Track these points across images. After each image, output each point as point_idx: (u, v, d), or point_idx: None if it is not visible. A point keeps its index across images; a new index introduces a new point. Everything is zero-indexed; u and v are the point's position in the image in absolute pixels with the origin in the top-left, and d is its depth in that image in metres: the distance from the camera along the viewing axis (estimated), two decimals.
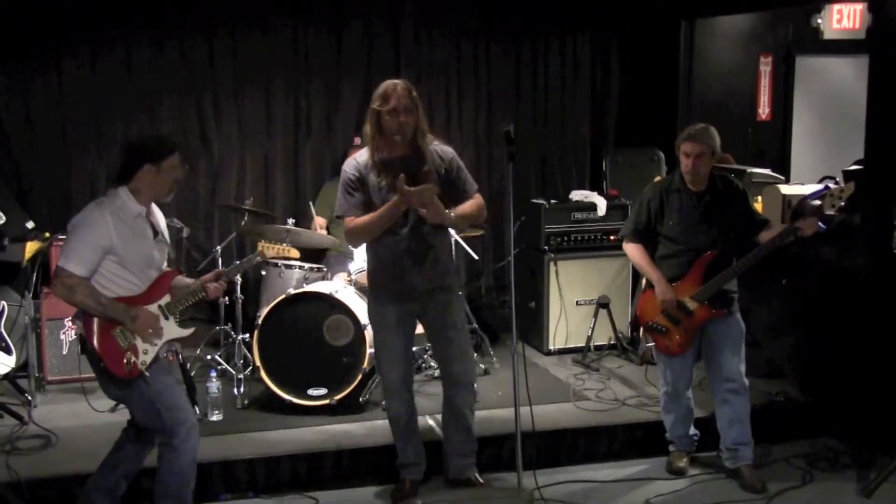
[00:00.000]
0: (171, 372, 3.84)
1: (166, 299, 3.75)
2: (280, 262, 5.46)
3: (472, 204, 4.12)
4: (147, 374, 3.63)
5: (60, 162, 6.13)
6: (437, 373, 5.50)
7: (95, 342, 3.61)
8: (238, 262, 4.25)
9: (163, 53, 6.23)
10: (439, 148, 4.10)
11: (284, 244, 4.44)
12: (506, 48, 6.92)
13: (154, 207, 3.83)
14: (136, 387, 3.65)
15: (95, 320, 3.61)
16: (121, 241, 3.58)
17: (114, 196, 3.65)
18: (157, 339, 3.68)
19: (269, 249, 4.31)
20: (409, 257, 4.02)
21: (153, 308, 3.70)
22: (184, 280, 3.94)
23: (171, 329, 3.76)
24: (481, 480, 4.31)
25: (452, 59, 6.83)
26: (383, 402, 5.03)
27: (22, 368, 5.18)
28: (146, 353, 3.65)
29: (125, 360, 3.60)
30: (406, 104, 3.91)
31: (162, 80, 6.27)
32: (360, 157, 4.07)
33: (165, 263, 3.88)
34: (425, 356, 5.60)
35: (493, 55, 6.93)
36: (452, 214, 4.00)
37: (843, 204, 4.21)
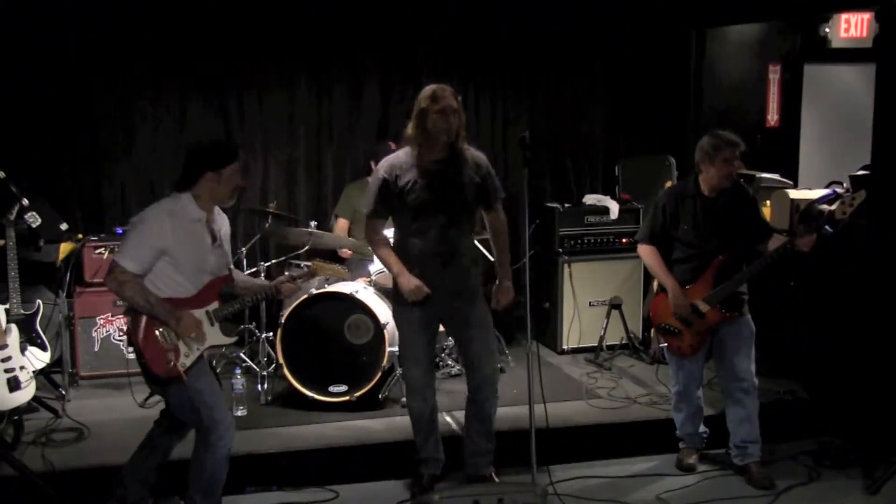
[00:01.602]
0: (210, 373, 3.84)
1: (214, 305, 3.78)
2: (303, 264, 5.58)
3: (504, 236, 4.27)
4: (185, 376, 3.65)
5: (93, 168, 6.25)
6: (453, 370, 5.62)
7: (140, 338, 3.65)
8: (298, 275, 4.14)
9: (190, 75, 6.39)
10: (475, 154, 4.16)
11: (336, 264, 4.45)
12: (520, 68, 6.96)
13: (218, 213, 3.85)
14: (174, 386, 3.69)
15: (143, 317, 3.65)
16: (176, 243, 3.62)
17: (176, 199, 3.70)
18: (199, 343, 3.72)
19: (322, 269, 4.25)
20: (436, 259, 4.08)
21: (199, 313, 3.73)
22: (251, 280, 4.02)
23: (215, 335, 3.78)
24: (497, 479, 4.35)
25: (470, 91, 6.88)
26: (403, 399, 5.12)
27: (56, 364, 5.26)
28: (187, 355, 3.68)
29: (166, 360, 3.64)
30: (454, 106, 3.97)
31: (190, 87, 6.38)
32: (395, 159, 4.12)
33: (231, 267, 3.92)
34: (442, 354, 5.68)
35: (508, 76, 6.99)
36: (508, 281, 4.24)
37: (853, 209, 4.26)
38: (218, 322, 3.79)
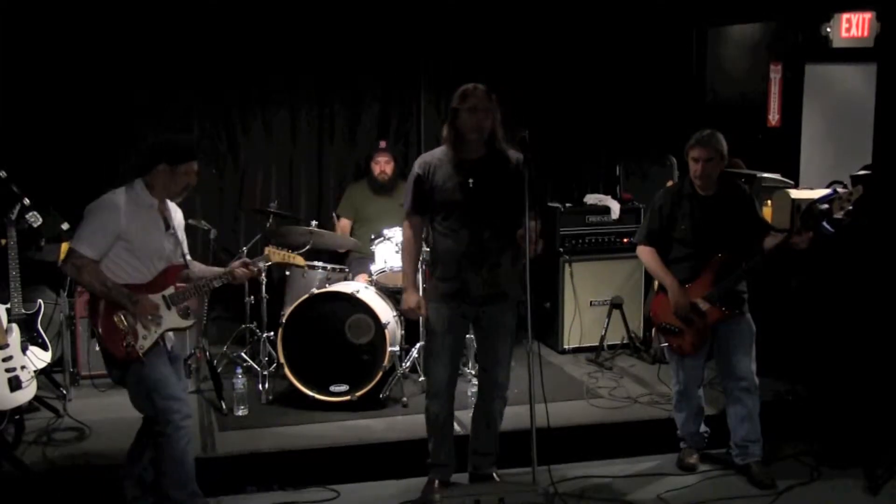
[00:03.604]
0: (169, 363, 3.90)
1: (170, 290, 3.87)
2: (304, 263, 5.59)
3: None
4: (143, 357, 3.75)
5: (94, 168, 6.21)
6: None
7: (98, 323, 3.74)
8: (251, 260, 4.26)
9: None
10: (514, 153, 4.04)
11: (290, 251, 4.50)
12: (521, 68, 6.94)
13: (171, 203, 3.95)
14: (132, 370, 3.76)
15: (101, 303, 3.74)
16: (131, 228, 3.71)
17: (130, 187, 3.80)
18: (155, 325, 3.79)
19: (274, 255, 4.37)
20: (466, 261, 4.00)
21: (156, 297, 3.82)
22: (207, 268, 4.09)
23: (172, 319, 3.87)
24: (498, 479, 4.35)
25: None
26: (404, 399, 5.17)
27: (57, 364, 5.29)
28: (145, 338, 3.76)
29: (124, 343, 3.72)
30: (485, 104, 3.92)
31: (193, 89, 6.40)
32: (430, 156, 4.08)
33: (187, 257, 4.00)
34: None
35: (509, 77, 6.94)
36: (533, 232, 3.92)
37: (851, 207, 4.23)
38: (175, 306, 3.87)
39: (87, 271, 3.69)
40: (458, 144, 3.99)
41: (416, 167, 4.08)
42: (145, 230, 3.78)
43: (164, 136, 3.91)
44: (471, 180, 3.98)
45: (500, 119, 4.01)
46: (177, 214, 4.01)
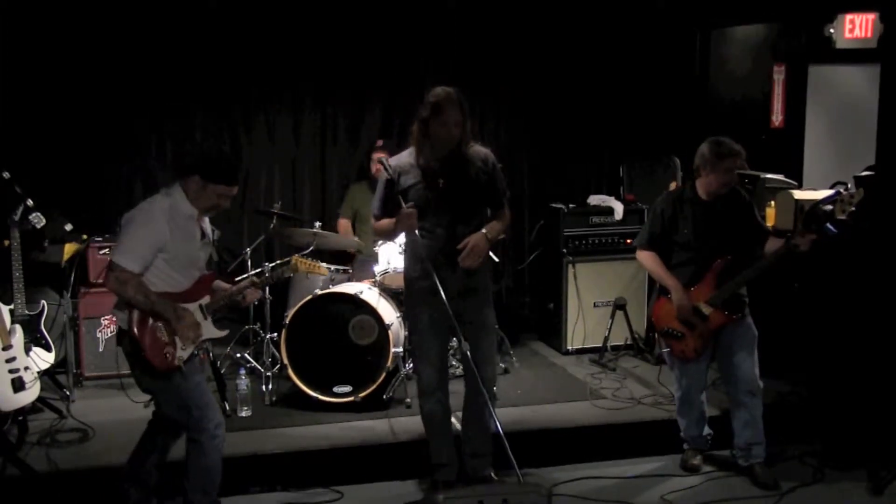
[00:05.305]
0: (201, 370, 3.89)
1: (206, 300, 3.83)
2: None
3: (501, 223, 4.18)
4: (184, 368, 3.69)
5: (97, 169, 6.26)
6: (458, 371, 5.61)
7: (137, 331, 3.64)
8: (272, 272, 4.34)
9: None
10: (480, 150, 4.13)
11: (318, 262, 4.49)
12: (524, 69, 6.95)
13: None
14: (171, 380, 3.69)
15: (137, 311, 3.65)
16: (173, 239, 3.64)
17: (170, 193, 3.71)
18: (194, 336, 3.74)
19: (301, 265, 4.34)
20: (443, 257, 4.03)
21: (192, 307, 3.77)
22: (221, 284, 4.02)
23: (208, 329, 3.82)
24: (495, 478, 4.32)
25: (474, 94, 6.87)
26: (407, 399, 5.16)
27: (60, 365, 5.27)
28: (184, 349, 3.70)
29: (165, 353, 3.65)
30: (457, 118, 3.95)
31: (196, 92, 6.40)
32: (398, 159, 4.12)
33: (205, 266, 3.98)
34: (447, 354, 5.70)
35: (511, 78, 6.97)
36: (489, 236, 4.07)
37: (853, 209, 4.22)
38: (210, 316, 3.84)
39: (132, 285, 3.58)
40: (427, 147, 4.03)
41: (386, 172, 4.11)
42: (185, 242, 3.72)
43: (213, 149, 3.85)
44: (441, 181, 4.02)
45: (469, 120, 4.04)
46: (206, 222, 3.95)
